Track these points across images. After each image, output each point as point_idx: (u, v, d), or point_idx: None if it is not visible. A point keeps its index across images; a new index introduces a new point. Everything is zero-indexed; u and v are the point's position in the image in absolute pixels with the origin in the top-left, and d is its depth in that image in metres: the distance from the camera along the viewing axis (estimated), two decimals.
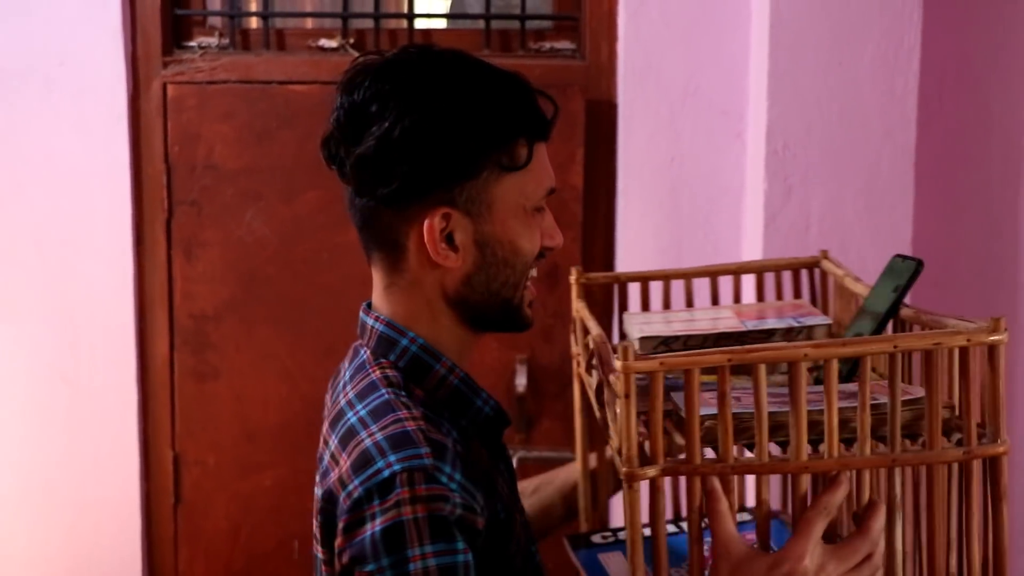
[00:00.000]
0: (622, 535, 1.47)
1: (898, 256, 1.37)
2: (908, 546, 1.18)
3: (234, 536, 2.54)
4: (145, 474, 2.52)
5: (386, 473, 1.06)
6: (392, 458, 1.07)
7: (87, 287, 2.45)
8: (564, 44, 2.46)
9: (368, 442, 1.09)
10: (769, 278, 1.62)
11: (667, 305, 1.57)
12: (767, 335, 1.36)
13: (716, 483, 1.10)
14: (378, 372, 1.19)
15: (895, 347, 1.06)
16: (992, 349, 1.09)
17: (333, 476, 1.11)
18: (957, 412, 1.13)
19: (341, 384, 1.25)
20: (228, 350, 2.49)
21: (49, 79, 2.39)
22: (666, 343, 1.34)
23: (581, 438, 1.52)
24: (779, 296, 1.59)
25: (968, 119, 2.42)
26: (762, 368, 1.06)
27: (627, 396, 1.06)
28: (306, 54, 2.46)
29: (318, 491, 1.15)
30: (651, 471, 1.07)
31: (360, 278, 2.40)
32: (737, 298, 1.60)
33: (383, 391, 1.15)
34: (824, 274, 1.57)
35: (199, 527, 2.54)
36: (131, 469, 2.50)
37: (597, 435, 1.51)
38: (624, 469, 1.07)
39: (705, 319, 1.44)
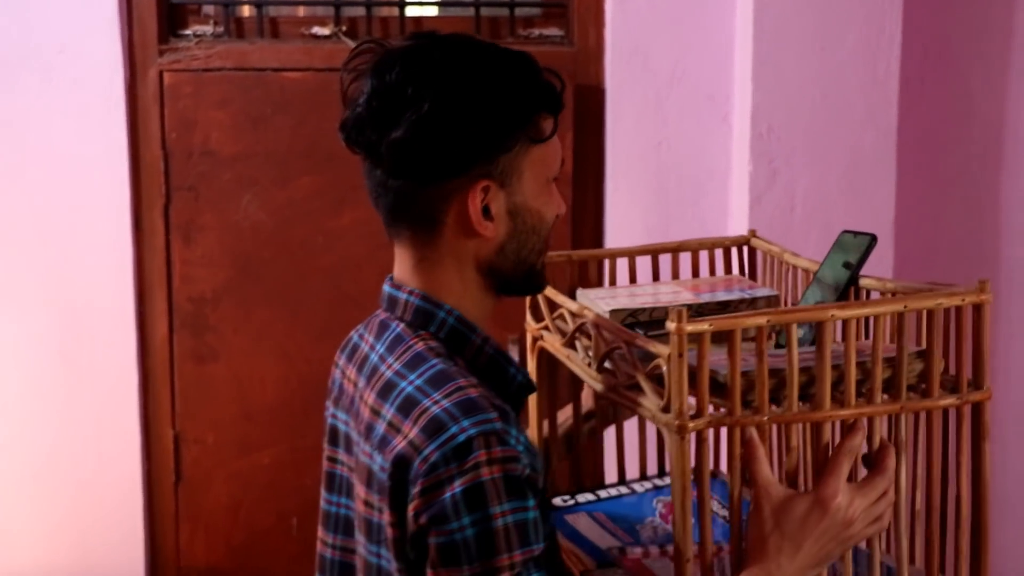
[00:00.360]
0: (581, 498, 1.58)
1: (847, 232, 1.47)
2: (910, 482, 1.31)
3: (233, 513, 2.59)
4: (146, 453, 2.57)
5: (462, 438, 1.11)
6: (465, 423, 1.12)
7: (87, 271, 2.49)
8: (553, 31, 2.50)
9: (436, 409, 1.14)
10: (703, 256, 1.70)
11: (613, 282, 1.64)
12: (723, 306, 1.47)
13: (754, 433, 1.19)
14: (421, 344, 1.23)
15: (905, 307, 1.19)
16: (979, 308, 1.22)
17: (399, 443, 1.15)
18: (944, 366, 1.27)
19: (375, 357, 1.28)
20: (226, 332, 2.53)
21: (48, 67, 2.43)
22: (633, 315, 1.43)
23: (537, 408, 1.59)
24: (712, 272, 1.69)
25: (949, 102, 2.46)
26: (795, 329, 1.16)
27: (680, 355, 1.15)
28: (299, 42, 2.50)
29: (379, 458, 1.18)
30: (700, 423, 1.16)
31: (354, 260, 2.47)
32: (676, 275, 1.68)
33: (434, 361, 1.20)
34: (752, 251, 1.69)
35: (199, 504, 2.59)
36: (132, 448, 2.55)
37: (550, 404, 1.59)
38: (676, 422, 1.16)
39: (663, 293, 1.52)
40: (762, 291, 1.53)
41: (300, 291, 2.52)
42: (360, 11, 2.50)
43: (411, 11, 2.52)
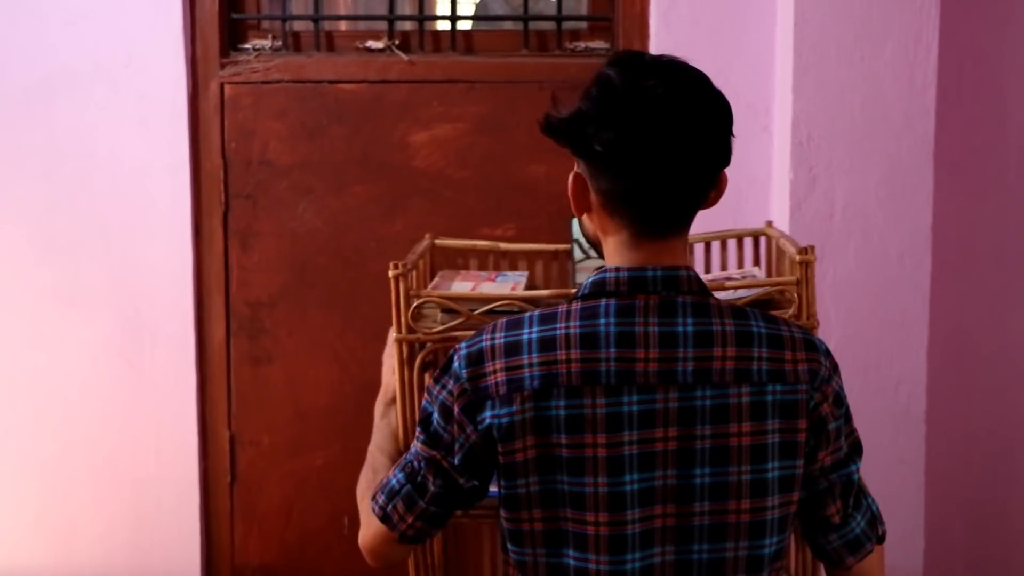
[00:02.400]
0: None
1: None
2: None
3: (287, 513, 2.66)
4: (203, 453, 2.64)
5: (825, 346, 1.43)
6: (818, 340, 1.43)
7: (150, 276, 2.57)
8: (598, 43, 2.58)
9: (799, 334, 1.41)
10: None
11: None
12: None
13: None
14: (722, 302, 1.43)
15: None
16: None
17: (800, 365, 1.39)
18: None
19: (695, 328, 1.37)
20: (281, 335, 2.61)
21: (115, 81, 2.52)
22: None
23: None
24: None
25: (985, 110, 2.50)
26: None
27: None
28: (354, 55, 2.59)
29: (776, 387, 1.37)
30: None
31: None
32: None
33: (748, 310, 1.43)
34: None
35: (254, 504, 2.66)
36: (190, 449, 2.62)
37: None
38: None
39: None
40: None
41: (353, 296, 2.59)
42: (413, 25, 2.59)
43: (462, 25, 2.60)
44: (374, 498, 1.46)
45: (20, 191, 2.56)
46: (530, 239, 2.57)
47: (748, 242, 2.08)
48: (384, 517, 1.44)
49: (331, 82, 2.55)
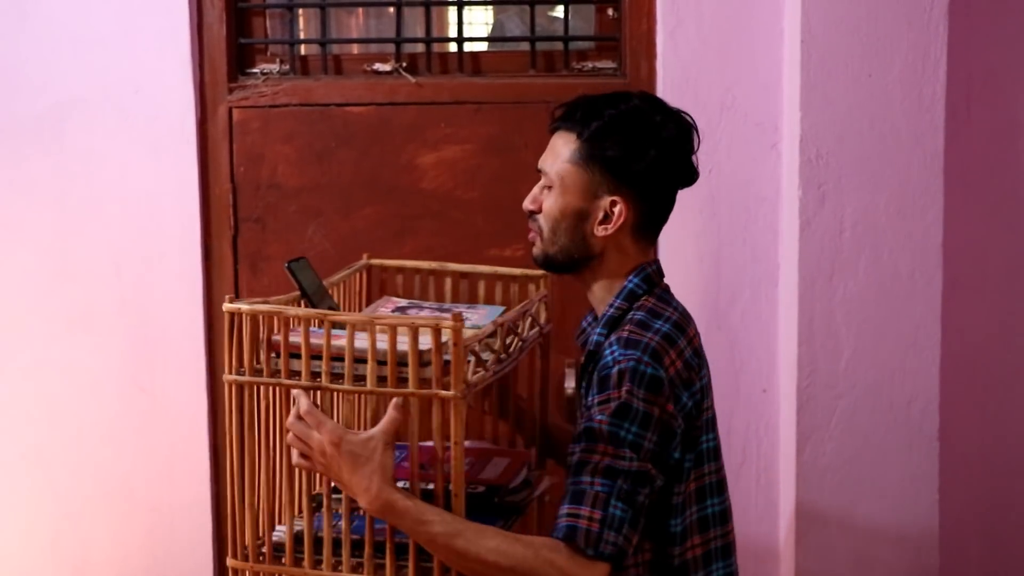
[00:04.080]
0: None
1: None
2: None
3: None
4: (215, 477, 2.63)
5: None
6: None
7: (160, 301, 2.58)
8: (606, 63, 2.58)
9: None
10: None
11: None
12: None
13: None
14: None
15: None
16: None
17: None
18: None
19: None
20: None
21: (124, 107, 2.54)
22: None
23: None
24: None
25: (995, 126, 2.50)
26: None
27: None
28: (362, 78, 2.59)
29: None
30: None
31: (410, 285, 2.54)
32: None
33: None
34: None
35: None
36: (202, 472, 2.62)
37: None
38: None
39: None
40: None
41: None
42: (420, 48, 2.60)
43: (469, 47, 2.61)
44: (600, 540, 1.49)
45: (31, 217, 2.57)
46: None
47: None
48: (619, 552, 1.51)
49: (339, 105, 2.56)
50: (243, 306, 1.69)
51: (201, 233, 2.57)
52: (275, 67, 2.60)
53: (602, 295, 1.72)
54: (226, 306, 1.69)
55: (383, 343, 1.59)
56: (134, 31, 2.52)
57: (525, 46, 2.60)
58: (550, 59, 2.60)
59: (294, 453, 1.65)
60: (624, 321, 1.65)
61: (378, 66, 2.59)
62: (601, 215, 1.67)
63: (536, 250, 1.76)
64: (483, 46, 2.68)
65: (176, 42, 2.51)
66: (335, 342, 1.61)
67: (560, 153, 1.70)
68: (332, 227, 2.58)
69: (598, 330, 1.68)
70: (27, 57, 2.53)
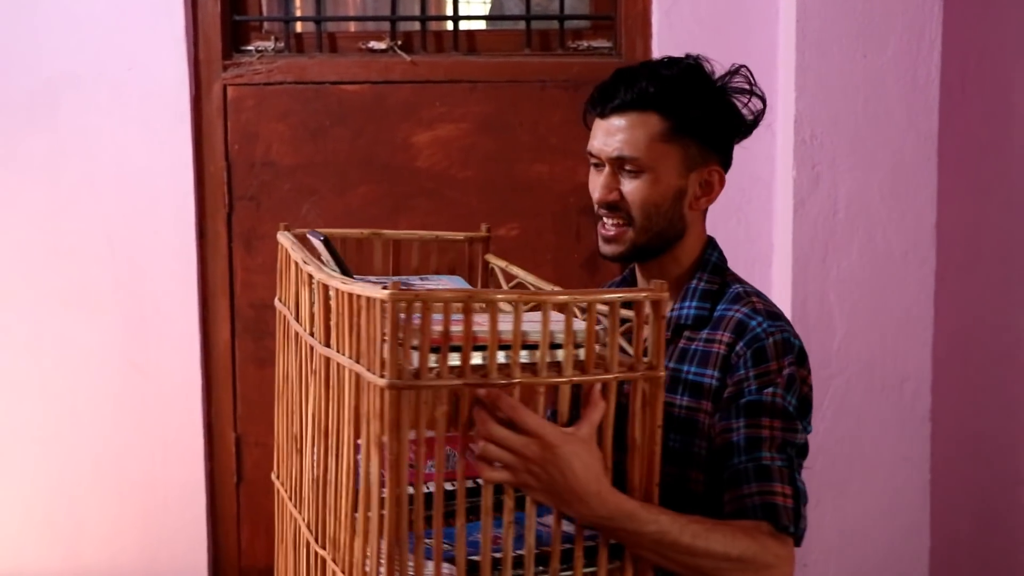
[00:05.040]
0: None
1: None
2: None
3: None
4: (209, 455, 2.65)
5: None
6: None
7: (154, 278, 2.58)
8: (601, 42, 2.58)
9: None
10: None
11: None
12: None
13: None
14: None
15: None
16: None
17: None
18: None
19: None
20: None
21: (118, 84, 2.53)
22: None
23: None
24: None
25: (989, 107, 2.49)
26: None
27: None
28: (357, 56, 2.59)
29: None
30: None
31: (410, 267, 2.54)
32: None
33: None
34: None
35: (260, 505, 2.65)
36: (196, 450, 2.63)
37: None
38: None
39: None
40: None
41: None
42: (415, 26, 2.59)
43: (464, 25, 2.60)
44: (799, 516, 1.43)
45: (25, 195, 2.57)
46: (533, 238, 2.58)
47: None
48: (804, 530, 1.45)
49: (334, 83, 2.56)
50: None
51: (195, 211, 2.57)
52: (270, 44, 2.59)
53: (681, 271, 1.61)
54: (386, 294, 1.16)
55: (532, 325, 1.24)
56: (127, 8, 2.51)
57: (521, 25, 2.60)
58: (545, 38, 2.60)
59: (487, 464, 1.27)
60: (731, 294, 1.58)
61: (373, 44, 2.58)
62: (698, 188, 1.58)
63: (621, 245, 1.57)
64: (478, 25, 2.67)
65: (170, 19, 2.51)
66: (502, 327, 1.23)
67: (643, 134, 1.54)
68: (327, 206, 2.58)
69: (694, 303, 1.58)
70: (20, 35, 2.52)
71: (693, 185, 1.57)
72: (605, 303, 1.24)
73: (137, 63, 2.53)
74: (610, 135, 1.54)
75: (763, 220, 2.48)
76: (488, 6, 3.12)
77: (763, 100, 1.62)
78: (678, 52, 2.44)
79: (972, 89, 2.48)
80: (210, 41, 2.55)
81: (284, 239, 1.61)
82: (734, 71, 1.61)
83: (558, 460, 1.24)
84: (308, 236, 1.54)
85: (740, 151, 2.45)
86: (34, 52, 2.53)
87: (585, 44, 2.58)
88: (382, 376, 1.18)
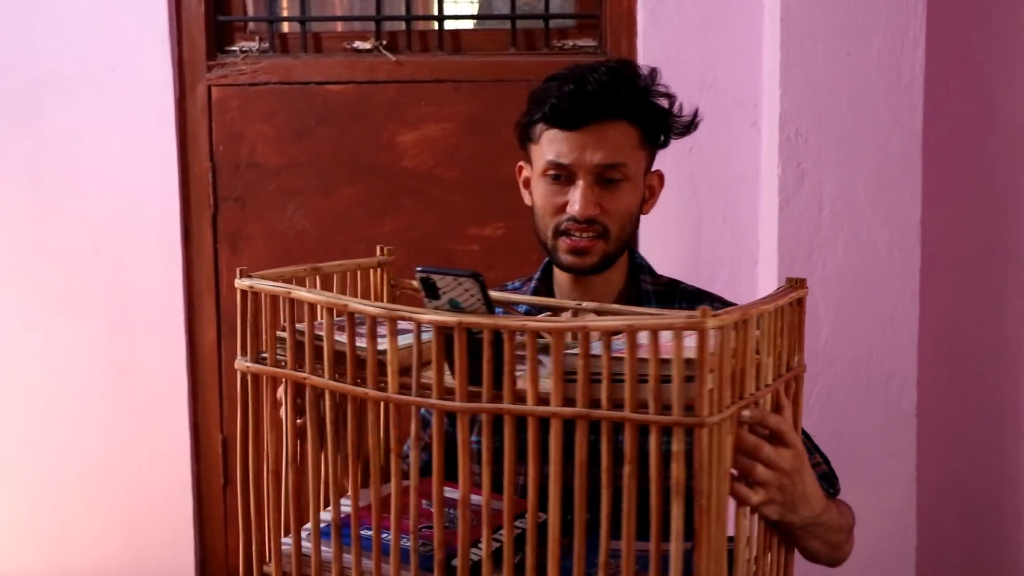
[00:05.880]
0: None
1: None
2: None
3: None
4: (195, 456, 2.64)
5: None
6: None
7: (139, 280, 2.57)
8: (586, 41, 2.58)
9: None
10: None
11: None
12: None
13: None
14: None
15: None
16: (800, 302, 1.29)
17: None
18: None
19: None
20: None
21: (102, 84, 2.52)
22: None
23: None
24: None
25: (973, 104, 2.50)
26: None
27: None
28: (341, 56, 2.58)
29: None
30: None
31: (395, 267, 2.54)
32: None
33: None
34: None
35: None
36: (182, 452, 2.62)
37: None
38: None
39: None
40: None
41: None
42: (400, 26, 2.59)
43: (450, 24, 2.60)
44: (836, 478, 1.56)
45: (8, 196, 2.56)
46: (519, 238, 2.58)
47: None
48: None
49: (319, 83, 2.55)
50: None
51: (180, 212, 2.56)
52: (254, 45, 2.58)
53: (621, 277, 1.63)
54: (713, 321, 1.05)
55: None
56: (111, 8, 2.50)
57: (506, 24, 2.59)
58: (531, 37, 2.59)
59: (760, 491, 1.19)
60: (685, 291, 1.64)
61: (358, 44, 2.58)
62: (647, 192, 1.60)
63: (592, 257, 1.54)
64: (464, 24, 2.67)
65: (154, 19, 2.50)
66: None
67: (624, 142, 1.53)
68: (312, 206, 2.58)
69: (654, 306, 1.58)
70: (2, 35, 2.51)
71: (645, 190, 1.60)
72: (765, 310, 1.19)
73: (121, 64, 2.51)
74: (588, 145, 1.51)
75: (749, 218, 2.48)
76: (476, 6, 3.12)
77: (673, 100, 1.59)
78: (664, 51, 2.48)
79: (956, 87, 2.49)
80: (194, 41, 2.54)
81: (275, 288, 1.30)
82: (655, 73, 1.58)
83: (804, 468, 1.23)
84: (416, 276, 1.19)
85: (726, 149, 2.48)
86: (17, 53, 2.52)
87: (571, 43, 2.58)
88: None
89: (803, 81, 2.33)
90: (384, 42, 2.57)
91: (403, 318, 1.17)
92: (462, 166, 2.56)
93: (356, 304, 1.20)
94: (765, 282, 2.45)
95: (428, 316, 1.16)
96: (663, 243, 2.46)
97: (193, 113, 2.56)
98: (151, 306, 2.58)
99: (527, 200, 1.64)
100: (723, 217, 2.49)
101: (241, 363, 1.31)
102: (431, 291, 1.18)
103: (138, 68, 2.52)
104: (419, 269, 1.17)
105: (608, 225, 1.54)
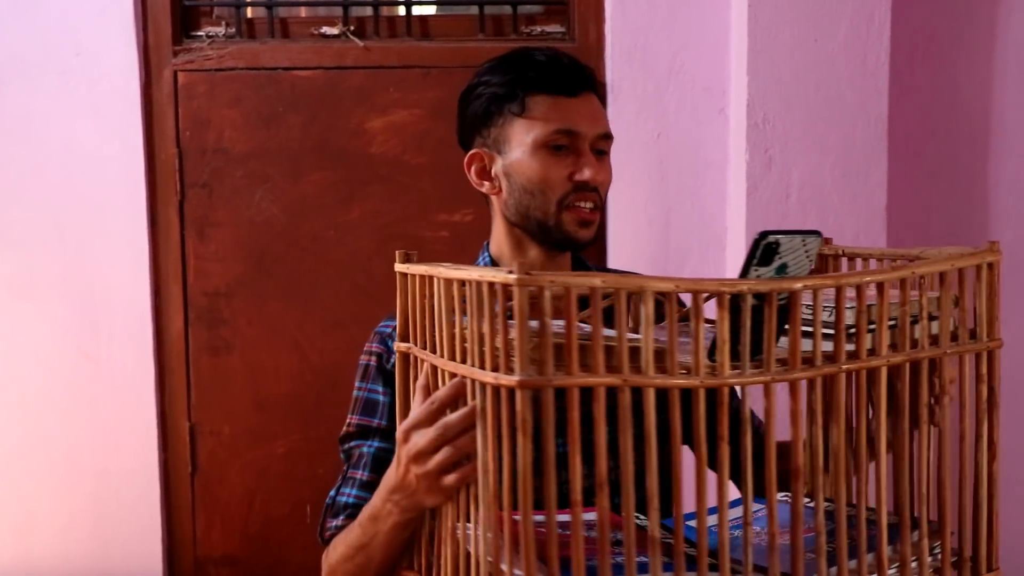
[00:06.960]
0: None
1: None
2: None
3: (248, 502, 2.65)
4: (163, 444, 2.62)
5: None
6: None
7: (105, 267, 2.55)
8: (554, 27, 2.58)
9: None
10: None
11: None
12: None
13: None
14: None
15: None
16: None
17: None
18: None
19: None
20: (240, 325, 2.60)
21: (65, 69, 2.49)
22: None
23: None
24: None
25: (937, 90, 2.52)
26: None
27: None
28: (309, 41, 2.57)
29: None
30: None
31: (365, 253, 2.54)
32: None
33: None
34: None
35: (215, 494, 2.64)
36: (150, 440, 2.60)
37: None
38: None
39: None
40: None
41: (312, 284, 2.58)
42: (367, 11, 2.57)
43: (417, 10, 2.59)
44: None
45: None
46: (488, 224, 2.57)
47: None
48: None
49: (286, 69, 2.54)
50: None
51: (147, 199, 2.54)
52: (220, 30, 2.56)
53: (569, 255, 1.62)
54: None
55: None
56: None
57: (473, 10, 2.59)
58: (499, 23, 2.59)
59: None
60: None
61: (326, 29, 2.57)
62: None
63: (593, 229, 1.53)
64: (431, 10, 2.66)
65: (118, 3, 2.47)
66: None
67: (602, 114, 1.55)
68: (280, 193, 2.56)
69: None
70: None
71: None
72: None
73: (85, 49, 2.49)
74: (588, 113, 1.52)
75: (717, 204, 2.49)
76: None
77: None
78: (631, 37, 2.49)
79: (920, 73, 2.51)
80: (159, 26, 2.52)
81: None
82: None
83: None
84: (758, 240, 1.09)
85: (694, 136, 2.49)
86: None
87: (539, 29, 2.58)
88: None
89: (770, 68, 2.35)
90: (352, 27, 2.56)
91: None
92: (431, 152, 2.56)
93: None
94: (734, 267, 2.46)
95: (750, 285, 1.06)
96: (632, 229, 2.47)
97: (159, 99, 2.54)
98: (117, 293, 2.56)
99: (486, 189, 1.56)
100: (691, 203, 2.50)
101: (511, 378, 1.02)
102: (767, 256, 1.08)
103: (103, 53, 2.49)
104: (762, 232, 1.07)
105: (601, 194, 1.54)
